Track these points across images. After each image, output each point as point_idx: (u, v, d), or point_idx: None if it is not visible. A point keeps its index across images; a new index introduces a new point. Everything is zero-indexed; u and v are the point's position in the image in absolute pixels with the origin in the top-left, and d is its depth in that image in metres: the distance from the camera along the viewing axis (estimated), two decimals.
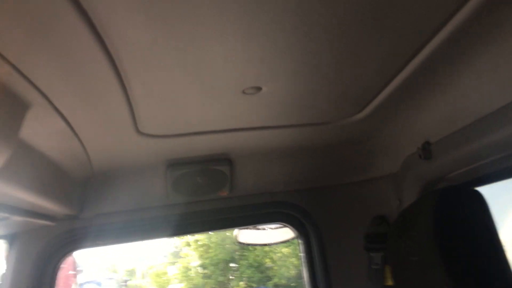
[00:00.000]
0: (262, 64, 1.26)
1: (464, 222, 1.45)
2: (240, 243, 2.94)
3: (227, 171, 2.10)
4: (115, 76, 1.19)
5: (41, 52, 1.01)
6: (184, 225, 2.27)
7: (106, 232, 2.15)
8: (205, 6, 0.96)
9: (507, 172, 1.78)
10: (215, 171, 2.09)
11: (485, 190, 1.54)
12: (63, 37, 0.98)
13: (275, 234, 2.83)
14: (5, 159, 1.14)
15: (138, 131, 1.62)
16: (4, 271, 1.96)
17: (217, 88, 1.38)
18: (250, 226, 2.78)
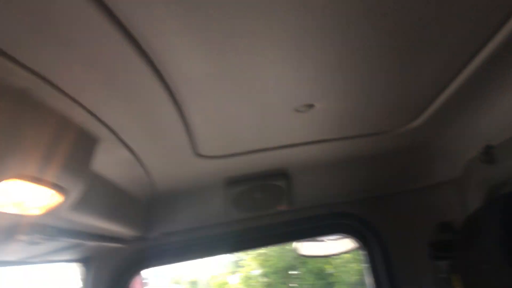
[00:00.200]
0: (314, 83, 1.28)
1: None
2: (301, 255, 2.94)
3: (284, 185, 2.13)
4: (174, 106, 1.25)
5: (108, 93, 1.09)
6: (245, 240, 2.32)
7: (172, 251, 2.23)
8: (258, 37, 0.99)
9: None
10: (272, 186, 2.12)
11: None
12: (127, 77, 1.05)
13: (335, 245, 2.82)
14: (81, 192, 1.23)
15: (197, 153, 1.68)
16: None
17: (270, 108, 1.42)
18: (310, 238, 2.78)
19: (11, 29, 0.79)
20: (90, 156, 1.24)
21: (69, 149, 1.11)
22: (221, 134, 1.58)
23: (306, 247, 2.87)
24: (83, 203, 1.32)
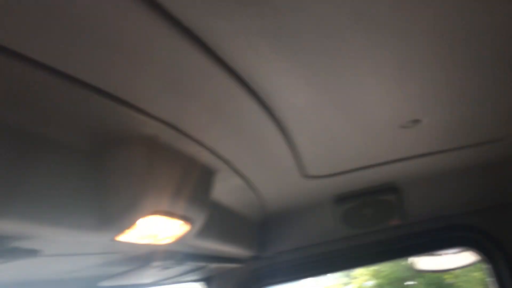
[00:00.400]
0: (420, 99, 1.27)
1: None
2: (418, 270, 2.83)
3: (395, 199, 2.09)
4: (281, 134, 1.32)
5: (225, 131, 1.19)
6: (357, 257, 2.30)
7: (286, 269, 2.30)
8: (362, 63, 1.03)
9: None
10: (382, 201, 2.10)
11: None
12: (240, 115, 1.14)
13: (454, 259, 2.67)
14: (204, 220, 1.34)
15: (304, 174, 1.74)
16: None
17: (375, 126, 1.43)
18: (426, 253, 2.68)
19: (146, 86, 0.91)
20: (211, 187, 1.35)
21: (194, 183, 1.23)
22: (327, 154, 1.62)
23: (423, 262, 2.76)
24: (205, 229, 1.44)
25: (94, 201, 1.01)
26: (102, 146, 1.01)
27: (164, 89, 0.94)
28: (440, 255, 2.69)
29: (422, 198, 2.12)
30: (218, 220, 1.65)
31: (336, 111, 1.26)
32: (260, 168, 1.56)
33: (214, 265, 1.89)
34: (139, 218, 1.08)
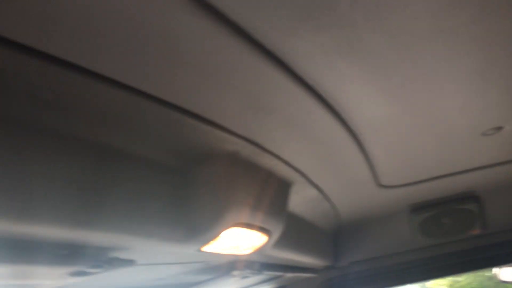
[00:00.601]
0: (502, 106, 1.23)
1: None
2: (503, 281, 2.68)
3: (475, 208, 2.01)
4: (356, 145, 1.33)
5: (301, 144, 1.22)
6: (435, 268, 2.23)
7: (361, 279, 2.27)
8: (441, 73, 1.02)
9: None
10: (461, 210, 2.02)
11: None
12: (316, 128, 1.17)
13: None
14: (281, 231, 1.38)
15: (379, 184, 1.72)
16: None
17: (454, 135, 1.40)
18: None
19: (228, 105, 0.97)
20: (287, 199, 1.39)
21: (271, 196, 1.27)
22: (403, 164, 1.60)
23: (506, 273, 2.61)
24: (281, 239, 1.47)
25: (182, 214, 1.08)
26: (188, 163, 1.08)
27: (245, 108, 0.99)
28: None
29: (505, 207, 2.02)
30: (294, 231, 1.68)
31: (413, 121, 1.25)
32: (334, 179, 1.57)
33: (289, 275, 1.92)
34: (222, 230, 1.13)
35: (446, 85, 1.08)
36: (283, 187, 1.37)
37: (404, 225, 2.11)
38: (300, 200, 1.60)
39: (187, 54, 0.78)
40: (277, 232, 1.37)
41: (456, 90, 1.11)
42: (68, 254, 0.94)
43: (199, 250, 1.18)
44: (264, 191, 1.25)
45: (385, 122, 1.23)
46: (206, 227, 1.11)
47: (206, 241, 1.14)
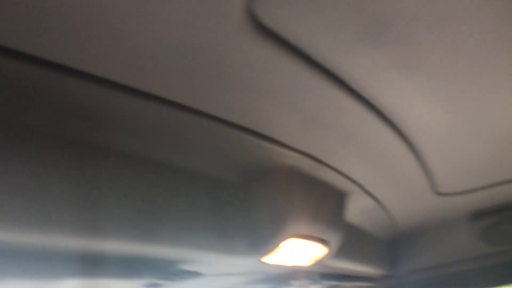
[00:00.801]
0: None
1: None
2: None
3: None
4: (412, 154, 1.32)
5: (358, 156, 1.23)
6: (498, 276, 2.15)
7: None
8: (503, 80, 1.00)
9: None
10: None
11: None
12: (372, 139, 1.18)
13: None
14: (339, 242, 1.39)
15: (437, 192, 1.70)
16: None
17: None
18: None
19: (286, 122, 1.00)
20: (344, 210, 1.40)
21: (329, 207, 1.29)
22: (461, 171, 1.57)
23: None
24: (338, 249, 1.49)
25: (243, 228, 1.12)
26: (248, 178, 1.12)
27: (303, 124, 1.02)
28: None
29: None
30: (350, 240, 1.68)
31: (472, 129, 1.23)
32: (391, 188, 1.57)
33: (346, 284, 1.92)
34: (281, 242, 1.17)
35: (508, 94, 1.06)
36: (340, 198, 1.38)
37: (463, 232, 2.05)
38: (356, 210, 1.61)
39: (247, 76, 0.82)
40: (336, 243, 1.38)
41: None
42: (141, 268, 1.01)
43: (260, 261, 1.21)
44: (322, 202, 1.27)
45: (444, 131, 1.22)
46: (267, 238, 1.15)
47: (267, 253, 1.18)
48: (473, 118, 1.18)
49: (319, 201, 1.26)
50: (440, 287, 2.23)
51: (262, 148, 1.04)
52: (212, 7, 0.64)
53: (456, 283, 2.20)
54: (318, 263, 1.45)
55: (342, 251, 1.54)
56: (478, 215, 1.97)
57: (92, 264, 0.96)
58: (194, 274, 1.11)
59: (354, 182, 1.37)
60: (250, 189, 1.15)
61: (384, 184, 1.51)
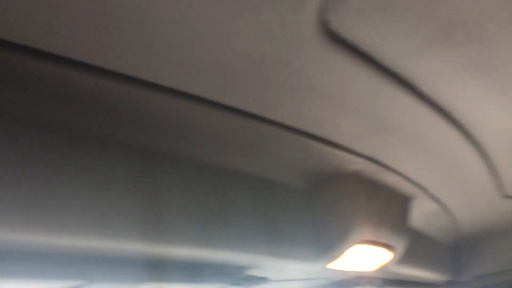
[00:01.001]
0: None
1: None
2: None
3: None
4: (480, 157, 1.28)
5: (423, 160, 1.21)
6: None
7: None
8: None
9: None
10: None
11: None
12: (439, 143, 1.15)
13: None
14: (405, 247, 1.37)
15: (504, 195, 1.63)
16: None
17: None
18: None
19: (351, 127, 0.99)
20: (409, 214, 1.37)
21: (394, 212, 1.27)
22: None
23: None
24: (403, 255, 1.46)
25: (309, 234, 1.13)
26: (314, 184, 1.12)
27: (369, 128, 1.01)
28: None
29: None
30: (414, 245, 1.64)
31: None
32: (456, 192, 1.52)
33: None
34: (347, 248, 1.16)
35: None
36: (404, 203, 1.36)
37: None
38: (420, 214, 1.57)
39: (316, 83, 0.82)
40: (401, 248, 1.36)
41: None
42: (211, 273, 1.03)
43: (325, 267, 1.21)
44: (387, 207, 1.25)
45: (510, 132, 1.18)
46: (332, 245, 1.15)
47: (332, 259, 1.18)
48: None
49: (384, 206, 1.24)
50: None
51: (327, 154, 1.04)
52: (285, 18, 0.66)
53: None
54: (383, 269, 1.42)
55: (406, 257, 1.51)
56: None
57: (160, 269, 0.99)
58: (262, 280, 1.13)
59: (419, 186, 1.35)
60: (315, 195, 1.15)
61: (449, 187, 1.46)
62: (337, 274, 1.38)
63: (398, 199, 1.31)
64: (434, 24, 0.74)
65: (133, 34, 0.62)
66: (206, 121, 0.86)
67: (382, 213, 1.22)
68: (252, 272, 1.10)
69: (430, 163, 1.26)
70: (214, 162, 0.98)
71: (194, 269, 1.03)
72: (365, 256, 1.28)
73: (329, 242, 1.14)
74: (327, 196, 1.14)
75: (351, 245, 1.16)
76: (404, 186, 1.30)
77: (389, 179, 1.23)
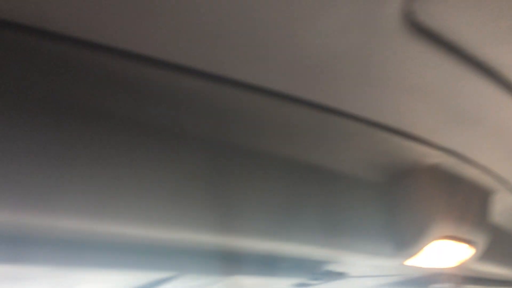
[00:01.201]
0: None
1: None
2: None
3: None
4: None
5: (503, 150, 1.15)
6: None
7: None
8: None
9: None
10: None
11: None
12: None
13: None
14: (487, 242, 1.31)
15: None
16: None
17: None
18: None
19: (429, 118, 0.97)
20: (490, 208, 1.32)
21: (475, 206, 1.22)
22: None
23: None
24: (485, 253, 1.40)
25: (387, 229, 1.11)
26: (390, 178, 1.11)
27: (449, 120, 0.98)
28: None
29: None
30: (495, 242, 1.57)
31: None
32: None
33: None
34: (427, 244, 1.13)
35: None
36: (485, 197, 1.30)
37: None
38: (502, 209, 1.50)
39: (397, 75, 0.81)
40: (483, 244, 1.30)
41: None
42: (289, 267, 1.05)
43: (403, 264, 1.19)
44: (467, 202, 1.21)
45: None
46: (411, 241, 1.12)
47: (411, 255, 1.15)
48: None
49: (465, 200, 1.20)
50: None
51: (405, 147, 1.02)
52: (369, 11, 0.65)
53: None
54: (463, 265, 1.37)
55: (487, 253, 1.45)
56: None
57: (239, 262, 1.02)
58: (340, 275, 1.13)
59: (501, 179, 1.28)
60: (392, 189, 1.13)
61: None
62: (415, 271, 1.35)
63: (479, 193, 1.26)
64: None
65: (213, 31, 0.64)
66: (282, 115, 0.87)
67: (462, 207, 1.18)
68: (330, 267, 1.10)
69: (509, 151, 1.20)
70: (290, 155, 0.99)
71: (272, 263, 1.04)
72: (445, 252, 1.24)
73: (407, 238, 1.12)
74: (404, 190, 1.12)
75: (431, 241, 1.13)
76: (485, 180, 1.24)
77: (470, 172, 1.18)
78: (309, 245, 0.99)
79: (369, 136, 0.97)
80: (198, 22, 0.62)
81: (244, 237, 0.90)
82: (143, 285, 0.98)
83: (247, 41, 0.67)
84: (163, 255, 0.88)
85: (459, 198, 1.18)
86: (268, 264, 1.04)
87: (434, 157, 1.08)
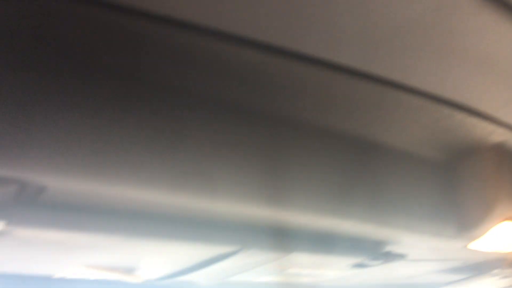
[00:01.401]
0: None
1: None
2: None
3: None
4: None
5: None
6: None
7: None
8: None
9: None
10: None
11: None
12: None
13: None
14: None
15: None
16: None
17: None
18: None
19: (496, 95, 0.93)
20: None
21: None
22: None
23: None
24: None
25: (450, 210, 1.08)
26: (454, 157, 1.07)
27: None
28: None
29: None
30: None
31: None
32: None
33: None
34: (492, 226, 1.09)
35: None
36: None
37: None
38: None
39: (467, 47, 0.78)
40: None
41: None
42: (347, 246, 1.04)
43: (466, 247, 1.15)
44: None
45: None
46: (476, 222, 1.08)
47: (475, 238, 1.11)
48: None
49: None
50: None
51: (469, 124, 0.99)
52: None
53: None
54: None
55: None
56: None
57: (301, 239, 1.01)
58: (399, 257, 1.10)
59: None
60: (455, 168, 1.09)
61: None
62: (476, 256, 1.30)
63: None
64: None
65: (288, 7, 0.64)
66: (345, 90, 0.86)
67: None
68: (389, 248, 1.08)
69: None
70: (350, 131, 0.97)
71: (331, 242, 1.04)
72: (510, 235, 1.19)
73: (471, 219, 1.08)
74: (469, 169, 1.08)
75: (497, 223, 1.09)
76: None
77: None
78: (367, 223, 0.98)
79: (432, 111, 0.94)
80: None
81: (302, 213, 0.90)
82: (206, 260, 1.01)
83: (310, 13, 0.66)
84: (226, 229, 0.90)
85: None
86: (327, 243, 1.04)
87: (500, 135, 1.04)
